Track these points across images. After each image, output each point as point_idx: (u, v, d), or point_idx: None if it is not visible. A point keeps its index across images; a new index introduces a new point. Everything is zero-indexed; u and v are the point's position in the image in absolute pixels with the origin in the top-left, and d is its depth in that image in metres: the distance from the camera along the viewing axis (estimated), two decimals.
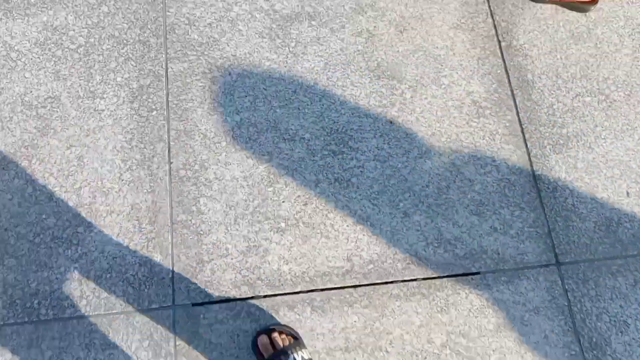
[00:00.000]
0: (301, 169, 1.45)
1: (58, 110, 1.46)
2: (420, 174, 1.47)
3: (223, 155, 1.45)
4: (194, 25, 1.58)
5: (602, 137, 1.54)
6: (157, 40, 1.55)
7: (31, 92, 1.47)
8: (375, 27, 1.63)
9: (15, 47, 1.52)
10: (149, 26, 1.57)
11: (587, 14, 1.65)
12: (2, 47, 1.52)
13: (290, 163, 1.46)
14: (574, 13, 1.69)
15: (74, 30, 1.55)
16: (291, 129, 1.49)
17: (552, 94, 1.58)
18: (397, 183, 1.45)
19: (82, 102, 1.47)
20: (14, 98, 1.46)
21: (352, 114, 1.53)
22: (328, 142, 1.49)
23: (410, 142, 1.50)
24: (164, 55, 1.54)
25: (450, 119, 1.53)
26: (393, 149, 1.49)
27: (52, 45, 1.53)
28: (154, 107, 1.48)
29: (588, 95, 1.59)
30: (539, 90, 1.58)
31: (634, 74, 1.62)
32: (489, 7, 1.68)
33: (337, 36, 1.61)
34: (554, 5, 1.69)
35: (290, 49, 1.58)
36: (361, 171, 1.46)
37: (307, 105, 1.53)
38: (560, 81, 1.60)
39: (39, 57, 1.51)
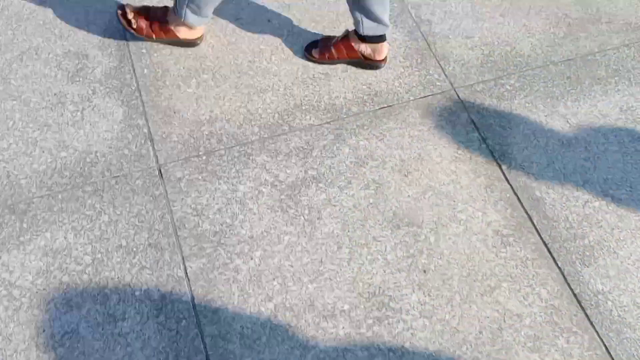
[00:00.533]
0: (351, 347, 1.38)
1: (78, 345, 1.32)
2: (469, 320, 1.43)
3: (266, 352, 1.35)
4: (203, 215, 1.52)
5: (622, 238, 1.58)
6: (169, 240, 1.48)
7: (44, 331, 1.34)
8: (379, 176, 1.64)
9: (16, 283, 1.39)
10: (156, 226, 1.49)
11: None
12: (0, 285, 1.39)
13: (337, 343, 1.38)
14: (557, 122, 1.77)
15: (76, 249, 1.45)
16: (329, 304, 1.43)
17: (564, 206, 1.62)
18: (451, 337, 1.40)
19: (102, 329, 1.35)
20: (27, 343, 1.32)
21: (384, 271, 1.49)
22: (369, 309, 1.43)
23: (449, 288, 1.47)
24: (179, 255, 1.46)
25: (480, 255, 1.53)
26: (435, 300, 1.45)
27: (57, 271, 1.42)
28: (181, 315, 1.38)
29: (596, 200, 1.64)
30: (551, 206, 1.62)
31: (627, 169, 1.70)
32: (479, 133, 1.74)
33: (346, 193, 1.60)
34: (538, 118, 1.78)
35: (305, 217, 1.55)
36: (412, 334, 1.40)
37: (338, 273, 1.48)
38: (566, 192, 1.65)
39: (44, 289, 1.39)
